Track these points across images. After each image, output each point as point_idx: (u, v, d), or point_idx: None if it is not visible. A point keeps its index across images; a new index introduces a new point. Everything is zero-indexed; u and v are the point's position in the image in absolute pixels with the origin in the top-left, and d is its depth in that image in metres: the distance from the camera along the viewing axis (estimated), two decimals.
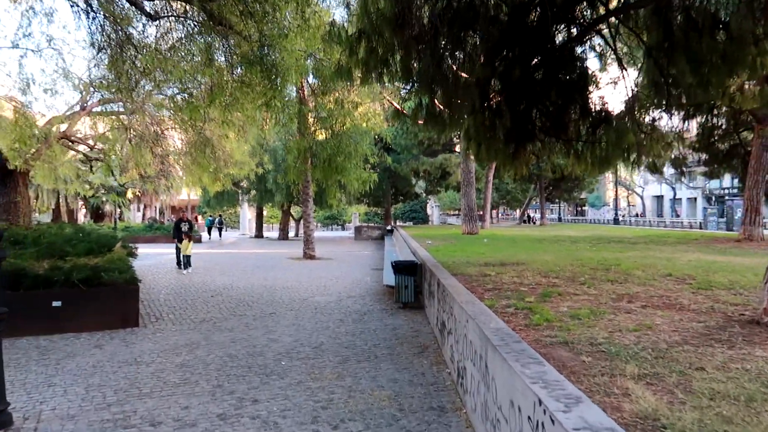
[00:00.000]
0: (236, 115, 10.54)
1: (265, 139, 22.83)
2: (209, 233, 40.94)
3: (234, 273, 15.74)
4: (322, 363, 6.20)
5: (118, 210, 49.77)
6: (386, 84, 8.15)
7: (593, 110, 9.07)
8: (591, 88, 9.28)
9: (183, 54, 9.09)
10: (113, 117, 17.92)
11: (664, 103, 8.66)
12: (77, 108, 17.27)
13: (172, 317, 9.16)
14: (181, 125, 13.76)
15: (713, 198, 58.77)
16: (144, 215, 55.21)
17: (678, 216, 62.48)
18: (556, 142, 9.49)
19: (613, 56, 9.50)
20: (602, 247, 14.57)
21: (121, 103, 17.45)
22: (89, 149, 17.62)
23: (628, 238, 18.90)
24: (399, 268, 10.07)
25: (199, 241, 33.60)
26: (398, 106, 16.44)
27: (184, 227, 16.26)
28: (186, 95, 9.64)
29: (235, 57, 8.55)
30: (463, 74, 8.75)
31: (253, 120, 11.42)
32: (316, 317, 9.18)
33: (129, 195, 27.96)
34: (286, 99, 10.25)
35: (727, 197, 54.40)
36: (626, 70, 8.95)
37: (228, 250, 26.26)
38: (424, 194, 48.69)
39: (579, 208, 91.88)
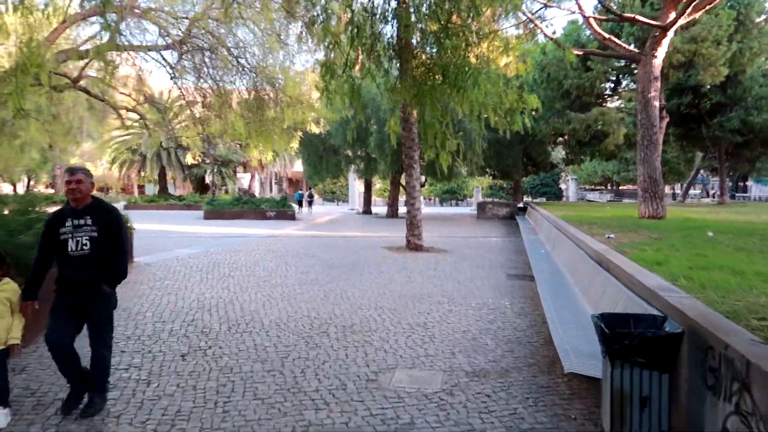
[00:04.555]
0: None
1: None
2: (300, 207, 35.71)
3: (284, 279, 9.88)
4: None
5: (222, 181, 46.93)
6: None
7: None
8: None
9: None
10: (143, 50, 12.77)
11: None
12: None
13: None
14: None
15: None
16: (250, 187, 52.13)
17: None
18: None
19: None
20: None
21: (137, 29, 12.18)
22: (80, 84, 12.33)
23: None
24: (625, 347, 3.40)
25: (292, 218, 28.78)
26: None
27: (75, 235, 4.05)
28: None
29: None
30: None
31: None
32: None
33: (189, 159, 23.32)
34: None
35: None
36: None
37: (315, 232, 20.74)
38: (563, 164, 40.26)
39: (741, 184, 76.16)
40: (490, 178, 43.88)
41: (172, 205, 38.87)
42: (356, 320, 6.88)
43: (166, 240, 16.44)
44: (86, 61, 12.49)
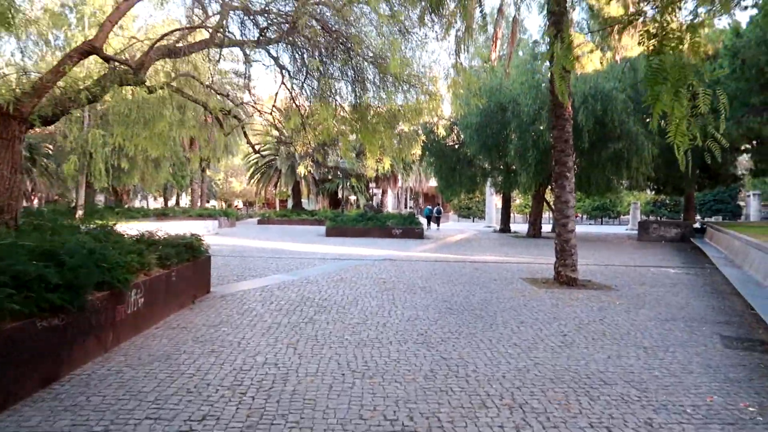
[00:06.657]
0: None
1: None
2: (428, 224, 35.91)
3: (380, 332, 7.06)
4: None
5: (353, 196, 45.75)
6: None
7: None
8: None
9: None
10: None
11: None
12: None
13: None
14: None
15: None
16: (382, 202, 50.57)
17: None
18: None
19: None
20: None
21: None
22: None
23: None
24: None
25: (420, 236, 26.10)
26: None
27: None
28: None
29: None
30: None
31: None
32: None
33: (301, 171, 21.48)
34: None
35: None
36: None
37: (441, 255, 17.75)
38: (749, 176, 33.28)
39: None
40: (652, 192, 37.80)
41: (303, 220, 38.25)
42: None
43: (272, 262, 14.51)
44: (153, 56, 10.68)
